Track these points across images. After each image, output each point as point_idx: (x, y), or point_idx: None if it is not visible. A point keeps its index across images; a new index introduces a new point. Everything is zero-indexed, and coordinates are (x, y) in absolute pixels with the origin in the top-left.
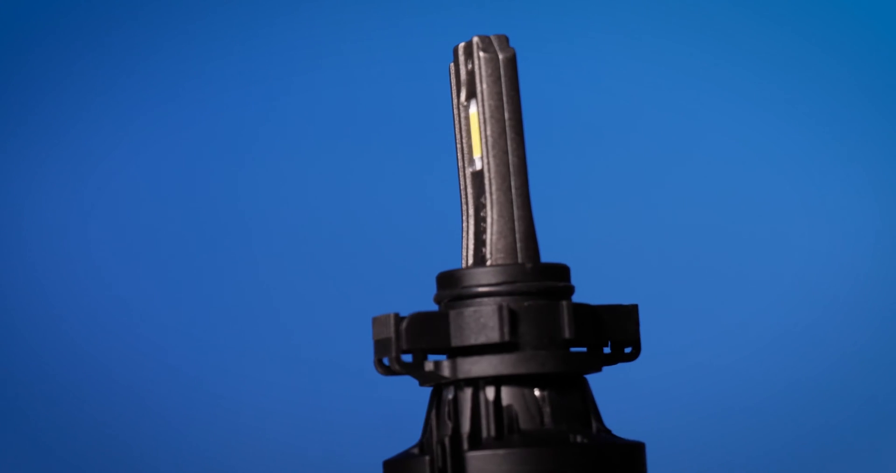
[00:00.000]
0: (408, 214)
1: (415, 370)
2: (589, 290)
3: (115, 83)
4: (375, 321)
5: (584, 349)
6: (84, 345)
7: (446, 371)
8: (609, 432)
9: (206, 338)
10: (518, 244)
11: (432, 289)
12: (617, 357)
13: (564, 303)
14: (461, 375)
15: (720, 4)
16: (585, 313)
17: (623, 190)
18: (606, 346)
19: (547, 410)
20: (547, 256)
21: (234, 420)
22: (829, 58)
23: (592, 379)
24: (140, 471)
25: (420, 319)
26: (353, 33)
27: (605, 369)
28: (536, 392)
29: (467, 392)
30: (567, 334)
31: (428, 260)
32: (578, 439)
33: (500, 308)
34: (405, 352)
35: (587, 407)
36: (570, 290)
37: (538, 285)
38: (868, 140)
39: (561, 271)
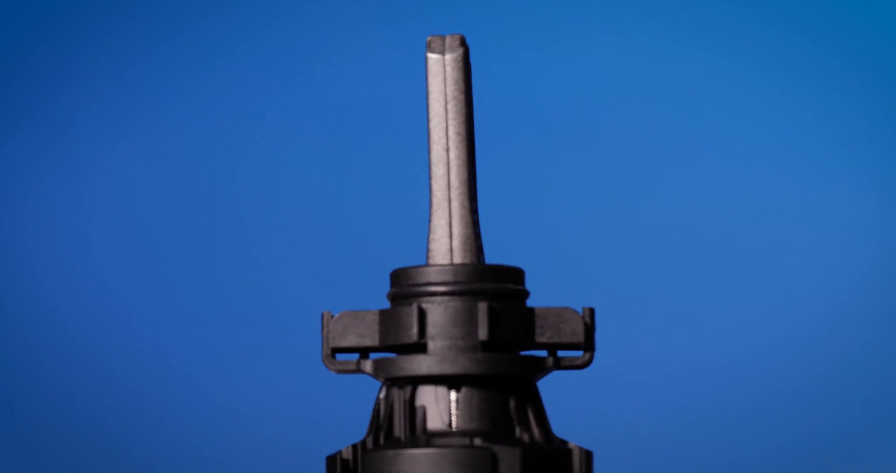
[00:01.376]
0: (407, 213)
1: (346, 368)
2: (588, 290)
3: (114, 83)
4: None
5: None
6: (83, 344)
7: (370, 370)
8: (549, 438)
9: (206, 337)
10: (453, 243)
11: None
12: (563, 363)
13: (482, 304)
14: (382, 375)
15: (720, 5)
16: (512, 315)
17: (622, 191)
18: (552, 349)
19: (456, 412)
20: (546, 255)
21: (234, 420)
22: (829, 58)
23: (573, 381)
24: (139, 471)
25: (345, 318)
26: (354, 33)
27: (601, 371)
28: (452, 394)
29: (389, 391)
30: (482, 335)
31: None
32: (478, 442)
33: (417, 309)
34: (338, 351)
35: (517, 411)
36: (508, 292)
37: (460, 286)
38: (868, 140)
39: (498, 273)
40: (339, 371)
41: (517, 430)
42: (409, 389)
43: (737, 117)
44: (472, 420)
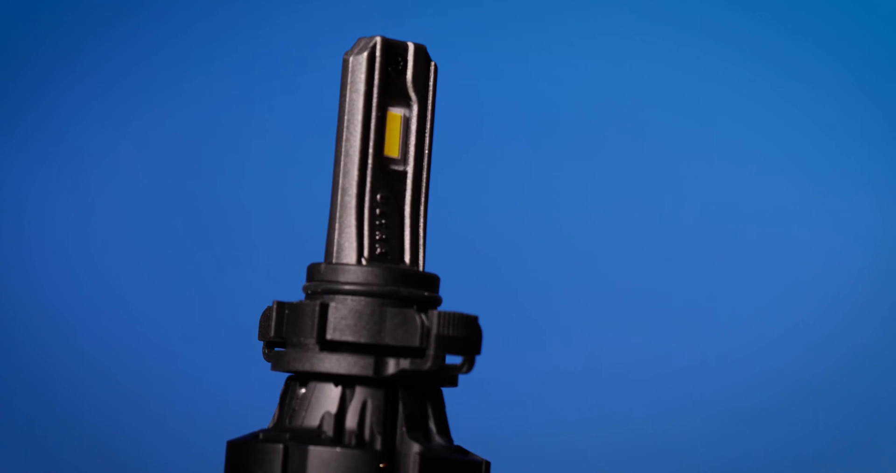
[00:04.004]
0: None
1: (266, 358)
2: (588, 289)
3: (116, 83)
4: None
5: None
6: (85, 344)
7: (273, 362)
8: (447, 443)
9: (208, 337)
10: (356, 243)
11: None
12: (404, 366)
13: (322, 303)
14: (279, 368)
15: (721, 5)
16: (397, 318)
17: (624, 190)
18: (395, 352)
19: (348, 412)
20: (544, 255)
21: (239, 421)
22: (830, 58)
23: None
24: (142, 471)
25: (266, 313)
26: (357, 34)
27: (605, 370)
28: (338, 392)
29: (288, 384)
30: (318, 334)
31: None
32: (323, 435)
33: (319, 306)
34: (271, 344)
35: (404, 413)
36: (399, 295)
37: (361, 287)
38: (868, 140)
39: (407, 277)
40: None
41: (399, 431)
42: (306, 384)
43: (739, 118)
44: (356, 419)
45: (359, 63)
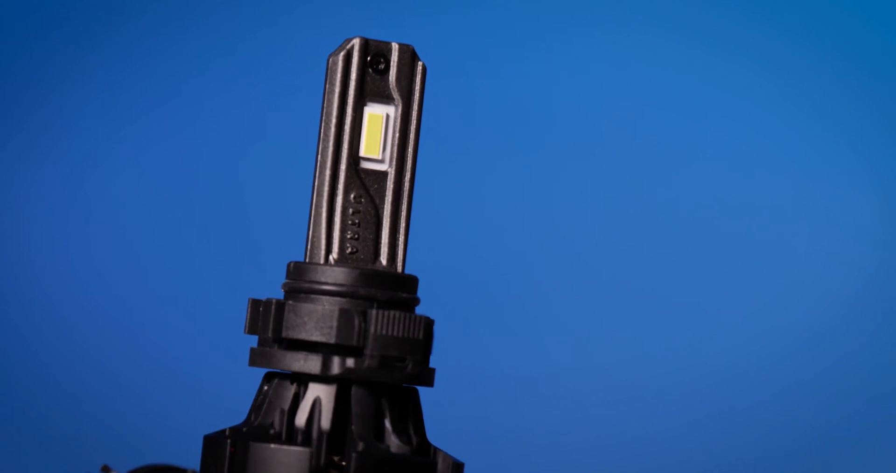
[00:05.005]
0: (413, 213)
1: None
2: (586, 289)
3: (115, 83)
4: None
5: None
6: (84, 344)
7: (250, 358)
8: (419, 446)
9: (207, 337)
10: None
11: (431, 289)
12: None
13: (278, 301)
14: (250, 363)
15: (722, 5)
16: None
17: (623, 190)
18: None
19: (316, 412)
20: (542, 255)
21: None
22: (829, 58)
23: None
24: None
25: (249, 307)
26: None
27: (600, 371)
28: (293, 388)
29: (264, 381)
30: (274, 332)
31: (433, 263)
32: (272, 432)
33: (291, 306)
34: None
35: (354, 412)
36: (383, 298)
37: (338, 288)
38: (868, 140)
39: (354, 276)
40: None
41: (354, 432)
42: (270, 381)
43: (738, 117)
44: (305, 416)
45: (335, 64)
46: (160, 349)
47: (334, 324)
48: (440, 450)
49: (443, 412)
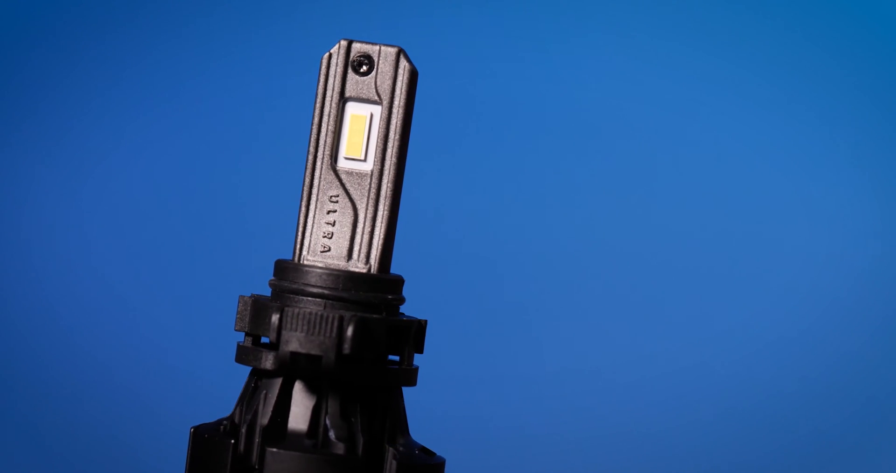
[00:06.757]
0: (413, 213)
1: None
2: (585, 291)
3: (114, 84)
4: None
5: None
6: (83, 344)
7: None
8: (407, 447)
9: (206, 338)
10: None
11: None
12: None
13: (244, 298)
14: (236, 360)
15: (720, 4)
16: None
17: (619, 191)
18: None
19: (305, 413)
20: (538, 255)
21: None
22: (829, 58)
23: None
24: (141, 470)
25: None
26: (353, 35)
27: (598, 373)
28: (298, 394)
29: (250, 377)
30: (243, 328)
31: (426, 261)
32: (223, 428)
33: (272, 305)
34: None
35: (365, 415)
36: (362, 301)
37: (319, 290)
38: (868, 140)
39: (314, 275)
40: None
41: (359, 435)
42: (249, 377)
43: (736, 117)
44: (299, 420)
45: (320, 65)
46: (160, 349)
47: (255, 318)
48: (423, 450)
49: (436, 413)
